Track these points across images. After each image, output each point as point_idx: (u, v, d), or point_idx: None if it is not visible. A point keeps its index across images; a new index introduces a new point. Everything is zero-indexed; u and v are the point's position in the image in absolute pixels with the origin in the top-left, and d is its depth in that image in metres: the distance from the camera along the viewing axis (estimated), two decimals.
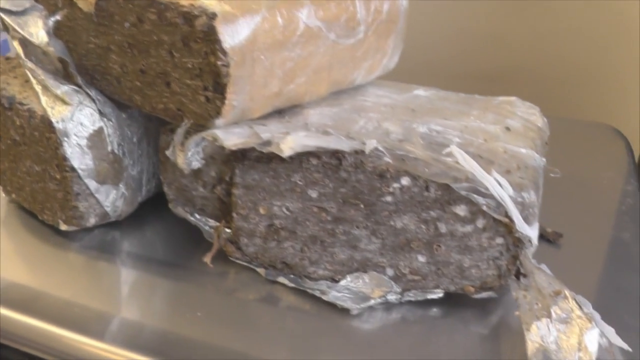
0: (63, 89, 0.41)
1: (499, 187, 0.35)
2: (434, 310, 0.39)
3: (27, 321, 0.38)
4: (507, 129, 0.41)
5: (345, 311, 0.39)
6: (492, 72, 0.83)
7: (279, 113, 0.41)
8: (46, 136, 0.41)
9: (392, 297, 0.39)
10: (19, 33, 0.40)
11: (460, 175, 0.35)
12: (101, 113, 0.42)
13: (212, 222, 0.43)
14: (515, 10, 0.80)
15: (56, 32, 0.41)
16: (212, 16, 0.34)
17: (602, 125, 0.68)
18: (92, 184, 0.42)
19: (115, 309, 0.39)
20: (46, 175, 0.43)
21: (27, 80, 0.43)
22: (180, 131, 0.38)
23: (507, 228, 0.36)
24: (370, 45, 0.44)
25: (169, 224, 0.47)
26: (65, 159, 0.41)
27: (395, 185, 0.36)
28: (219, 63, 0.34)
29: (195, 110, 0.37)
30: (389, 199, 0.37)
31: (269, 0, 0.36)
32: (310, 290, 0.40)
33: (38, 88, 0.41)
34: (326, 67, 0.41)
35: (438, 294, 0.39)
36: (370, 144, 0.36)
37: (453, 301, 0.39)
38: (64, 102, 0.41)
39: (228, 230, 0.42)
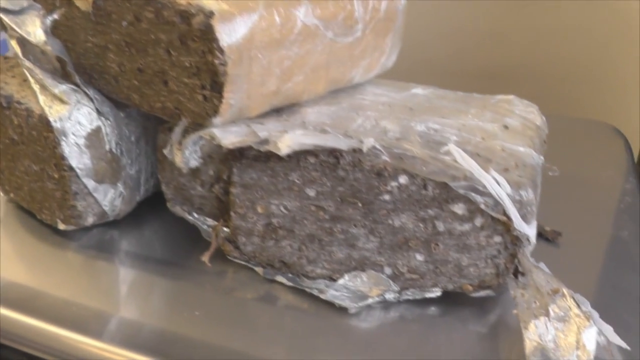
0: (61, 88, 0.41)
1: (497, 186, 0.35)
2: (432, 309, 0.39)
3: (25, 320, 0.38)
4: (505, 127, 0.41)
5: (343, 310, 0.38)
6: (491, 71, 0.83)
7: (276, 112, 0.41)
8: (44, 135, 0.41)
9: (390, 296, 0.39)
10: (17, 32, 0.40)
11: (458, 174, 0.35)
12: (99, 112, 0.42)
13: (210, 221, 0.43)
14: (514, 8, 0.80)
15: (54, 31, 0.41)
16: (210, 14, 0.34)
17: (601, 124, 0.68)
18: (90, 183, 0.42)
19: (114, 308, 0.39)
20: (44, 175, 0.43)
21: (25, 80, 0.43)
22: (177, 130, 0.38)
23: (505, 226, 0.36)
24: (368, 43, 0.44)
25: (168, 223, 0.47)
26: (63, 158, 0.41)
27: (393, 183, 0.36)
28: (217, 62, 0.34)
29: (193, 109, 0.37)
30: (386, 197, 0.37)
31: None
32: (308, 289, 0.40)
33: (36, 87, 0.41)
34: (324, 66, 0.41)
35: (436, 293, 0.39)
36: (368, 143, 0.36)
37: (451, 300, 0.39)
38: (62, 101, 0.41)
39: (226, 229, 0.42)
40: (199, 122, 0.37)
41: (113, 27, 0.38)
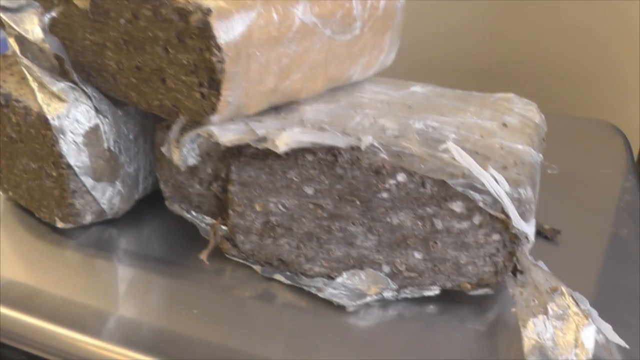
0: (59, 86, 0.41)
1: (495, 183, 0.35)
2: (431, 307, 0.39)
3: (24, 319, 0.38)
4: (504, 125, 0.41)
5: (341, 308, 0.38)
6: (491, 69, 0.83)
7: (275, 109, 0.40)
8: (42, 133, 0.41)
9: (388, 294, 0.39)
10: (15, 30, 0.40)
11: (457, 172, 0.35)
12: (97, 110, 0.42)
13: (208, 219, 0.43)
14: (513, 7, 0.80)
15: (52, 29, 0.41)
16: (207, 12, 0.34)
17: (601, 122, 0.68)
18: (88, 181, 0.42)
19: (112, 307, 0.39)
20: (42, 173, 0.43)
21: (24, 78, 0.43)
22: (175, 128, 0.38)
23: (503, 224, 0.36)
24: (366, 41, 0.44)
25: (166, 222, 0.47)
26: (61, 156, 0.41)
27: (391, 181, 0.36)
28: (214, 59, 0.34)
29: (191, 107, 0.37)
30: (385, 195, 0.37)
31: None
32: (307, 287, 0.40)
33: (34, 85, 0.41)
34: (322, 63, 0.41)
35: (434, 291, 0.39)
36: (366, 140, 0.36)
37: (449, 298, 0.39)
38: (60, 99, 0.41)
39: (224, 228, 0.42)
40: (197, 120, 0.37)
41: (111, 24, 0.38)
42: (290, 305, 0.39)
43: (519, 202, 0.35)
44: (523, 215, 0.35)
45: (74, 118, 0.41)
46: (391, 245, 0.38)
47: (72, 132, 0.41)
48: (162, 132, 0.40)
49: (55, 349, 0.37)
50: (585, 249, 0.45)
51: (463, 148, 0.37)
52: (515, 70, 0.82)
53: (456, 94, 0.47)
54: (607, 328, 0.34)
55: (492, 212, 0.35)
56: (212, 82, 0.35)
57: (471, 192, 0.35)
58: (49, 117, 0.40)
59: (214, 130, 0.36)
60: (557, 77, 0.80)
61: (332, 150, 0.36)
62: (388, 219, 0.37)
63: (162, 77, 0.37)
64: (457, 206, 0.36)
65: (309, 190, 0.38)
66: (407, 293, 0.39)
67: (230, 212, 0.41)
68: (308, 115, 0.40)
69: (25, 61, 0.41)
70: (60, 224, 0.44)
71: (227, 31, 0.34)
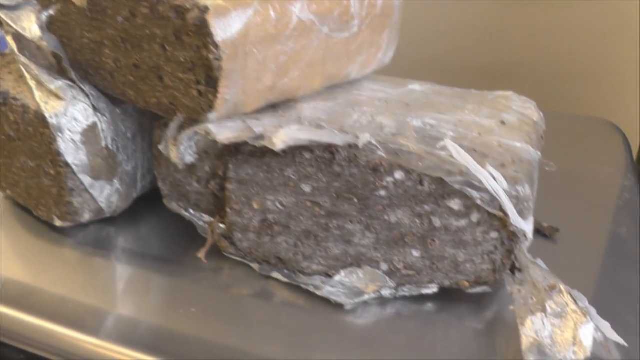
0: (57, 84, 0.41)
1: (493, 181, 0.35)
2: (429, 306, 0.39)
3: (22, 317, 0.38)
4: (502, 123, 0.41)
5: (339, 306, 0.38)
6: (491, 68, 0.83)
7: (272, 107, 0.40)
8: (40, 131, 0.41)
9: (386, 292, 0.39)
10: (13, 28, 0.40)
11: (454, 169, 0.35)
12: (95, 108, 0.42)
13: (206, 218, 0.43)
14: (513, 6, 0.80)
15: (50, 27, 0.41)
16: (204, 10, 0.34)
17: (600, 121, 0.68)
18: (86, 180, 0.42)
19: (110, 305, 0.39)
20: (40, 171, 0.43)
21: (22, 76, 0.43)
22: (173, 125, 0.38)
23: (501, 222, 0.36)
24: (364, 39, 0.43)
25: (164, 220, 0.47)
26: (59, 154, 0.41)
27: (389, 179, 0.36)
28: (211, 57, 0.34)
29: (188, 105, 0.37)
30: (382, 193, 0.37)
31: None
32: (304, 285, 0.40)
33: (32, 83, 0.41)
34: (320, 61, 0.41)
35: (432, 289, 0.39)
36: (364, 138, 0.36)
37: (448, 296, 0.39)
38: (58, 97, 0.41)
39: (222, 226, 0.42)
40: (194, 118, 0.37)
41: (108, 22, 0.38)
42: (288, 304, 0.39)
43: (517, 200, 0.35)
44: (521, 213, 0.35)
45: (72, 116, 0.41)
46: (389, 243, 0.38)
47: (69, 130, 0.41)
48: (159, 130, 0.40)
49: (53, 347, 0.37)
50: (584, 247, 0.45)
51: (461, 146, 0.37)
52: (514, 69, 0.82)
53: (454, 92, 0.47)
54: (606, 326, 0.34)
55: (490, 209, 0.35)
56: (210, 79, 0.35)
57: (469, 189, 0.35)
58: (46, 115, 0.40)
59: (212, 128, 0.36)
60: (556, 75, 0.80)
61: (330, 148, 0.36)
62: (386, 217, 0.37)
63: (159, 74, 0.37)
64: (455, 204, 0.36)
65: (307, 188, 0.38)
66: (405, 291, 0.39)
67: (228, 210, 0.41)
68: (306, 113, 0.40)
69: (22, 59, 0.41)
70: (58, 223, 0.44)
71: (225, 29, 0.34)
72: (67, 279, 0.41)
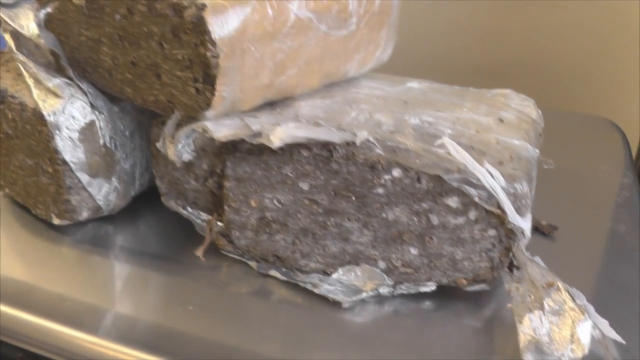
0: (55, 82, 0.41)
1: (491, 178, 0.35)
2: (427, 303, 0.39)
3: (20, 316, 0.38)
4: (500, 120, 0.41)
5: (337, 304, 0.38)
6: (491, 67, 0.83)
7: (270, 105, 0.40)
8: (38, 129, 0.41)
9: (384, 290, 0.39)
10: (10, 25, 0.40)
11: (452, 167, 0.35)
12: (93, 106, 0.42)
13: (204, 216, 0.43)
14: (513, 4, 0.79)
15: (47, 24, 0.41)
16: (202, 7, 0.34)
17: (599, 119, 0.68)
18: (84, 178, 0.42)
19: (109, 303, 0.39)
20: (39, 169, 0.43)
21: (20, 74, 0.43)
22: (170, 123, 0.38)
23: (499, 220, 0.36)
24: (362, 37, 0.43)
25: (163, 218, 0.47)
26: (56, 152, 0.41)
27: (387, 176, 0.36)
28: (209, 54, 0.34)
29: (186, 102, 0.37)
30: (380, 190, 0.37)
31: None
32: (302, 283, 0.40)
33: (30, 81, 0.41)
34: (318, 59, 0.40)
35: (430, 287, 0.39)
36: (361, 136, 0.36)
37: (446, 294, 0.39)
38: (56, 95, 0.41)
39: (220, 224, 0.42)
40: (192, 115, 0.37)
41: (106, 20, 0.38)
42: (286, 302, 0.39)
43: (514, 197, 0.35)
44: (519, 210, 0.35)
45: (70, 114, 0.41)
46: (387, 241, 0.38)
47: (67, 128, 0.41)
48: (157, 128, 0.40)
49: (51, 345, 0.37)
50: (583, 245, 0.45)
51: (459, 143, 0.36)
52: (514, 68, 0.82)
53: (453, 90, 0.47)
54: (604, 323, 0.34)
55: (487, 207, 0.35)
56: (207, 77, 0.35)
57: (467, 187, 0.35)
58: (44, 113, 0.40)
59: (209, 125, 0.36)
60: (556, 74, 0.80)
61: (327, 146, 0.36)
62: (384, 215, 0.37)
63: (157, 72, 0.37)
64: (453, 201, 0.36)
65: (304, 186, 0.38)
66: (403, 289, 0.39)
67: (226, 208, 0.41)
68: (303, 111, 0.40)
69: (21, 57, 0.41)
70: (56, 221, 0.44)
71: (222, 26, 0.34)
72: (65, 277, 0.41)
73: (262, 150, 0.38)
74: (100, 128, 0.42)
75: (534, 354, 0.33)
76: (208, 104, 0.36)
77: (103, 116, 0.42)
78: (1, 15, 0.41)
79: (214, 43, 0.34)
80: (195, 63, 0.35)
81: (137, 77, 0.39)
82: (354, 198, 0.37)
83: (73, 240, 0.45)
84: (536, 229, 0.45)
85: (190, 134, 0.38)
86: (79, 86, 0.42)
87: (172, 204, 0.44)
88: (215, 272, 0.42)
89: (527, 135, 0.40)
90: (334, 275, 0.39)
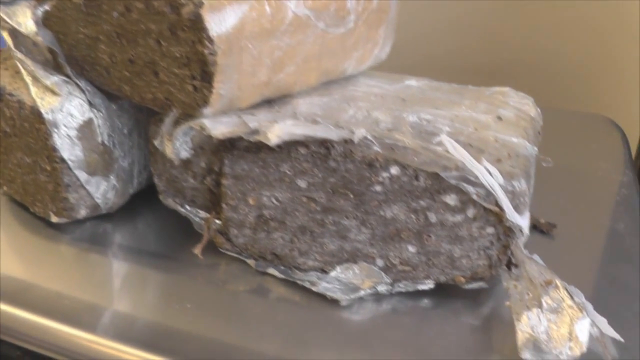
0: (53, 79, 0.41)
1: (489, 176, 0.35)
2: (425, 301, 0.39)
3: (18, 314, 0.38)
4: (499, 118, 0.41)
5: (335, 302, 0.38)
6: (490, 66, 0.83)
7: (268, 103, 0.40)
8: (36, 127, 0.41)
9: (382, 288, 0.39)
10: (8, 23, 0.40)
11: (450, 164, 0.35)
12: (91, 104, 0.42)
13: (202, 214, 0.43)
14: (513, 4, 0.79)
15: (45, 22, 0.41)
16: (199, 4, 0.34)
17: (599, 117, 0.67)
18: (82, 175, 0.42)
19: (107, 301, 0.39)
20: (37, 167, 0.43)
21: (18, 72, 0.43)
22: (168, 121, 0.38)
23: (497, 217, 0.36)
24: (360, 34, 0.43)
25: (161, 216, 0.46)
26: (54, 149, 0.41)
27: (385, 174, 0.36)
28: (206, 51, 0.34)
29: (183, 100, 0.37)
30: (378, 188, 0.36)
31: None
32: (300, 281, 0.40)
33: (28, 79, 0.41)
34: (316, 57, 0.40)
35: (429, 285, 0.39)
36: (359, 133, 0.36)
37: (444, 292, 0.39)
38: (54, 93, 0.41)
39: (218, 222, 0.42)
40: (189, 113, 0.37)
41: (104, 17, 0.38)
42: (284, 300, 0.39)
43: (513, 195, 0.35)
44: (517, 208, 0.35)
45: (68, 112, 0.41)
46: (385, 238, 0.38)
47: (65, 126, 0.41)
48: (155, 126, 0.40)
49: (49, 343, 0.37)
50: (582, 243, 0.45)
51: (457, 141, 0.36)
52: (514, 67, 0.82)
53: (451, 88, 0.47)
54: (602, 321, 0.34)
55: (485, 204, 0.35)
56: (204, 74, 0.35)
57: (465, 184, 0.35)
58: (42, 110, 0.40)
59: (206, 123, 0.36)
60: (555, 73, 0.79)
61: (325, 143, 0.36)
62: (381, 212, 0.37)
63: (154, 70, 0.37)
64: (451, 199, 0.36)
65: (302, 184, 0.38)
66: (401, 287, 0.39)
67: (224, 205, 0.40)
68: (301, 108, 0.40)
69: (18, 55, 0.41)
70: (54, 219, 0.44)
71: (219, 23, 0.34)
72: (63, 275, 0.41)
73: (259, 148, 0.38)
74: (99, 126, 0.42)
75: (532, 352, 0.32)
76: (206, 102, 0.36)
77: (101, 114, 0.42)
78: None
79: (211, 40, 0.34)
80: (193, 60, 0.35)
81: (135, 74, 0.39)
82: (351, 196, 0.37)
83: (71, 239, 0.45)
84: (535, 227, 0.45)
85: (188, 131, 0.38)
86: (76, 84, 0.41)
87: (170, 202, 0.44)
88: (213, 270, 0.42)
89: (526, 133, 0.40)
90: (332, 273, 0.39)
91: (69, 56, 0.42)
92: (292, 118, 0.38)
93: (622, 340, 0.34)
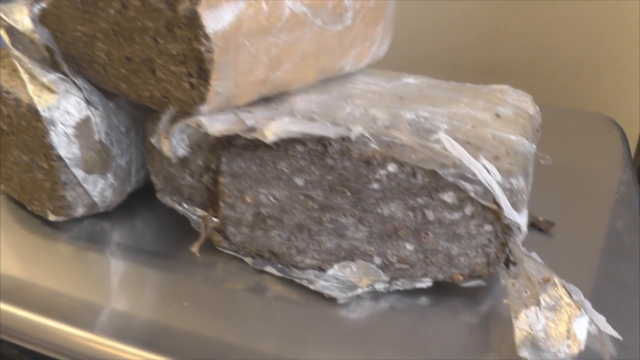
0: (49, 77, 0.41)
1: (487, 173, 0.34)
2: (423, 300, 0.39)
3: (15, 312, 0.38)
4: (497, 115, 0.41)
5: (332, 300, 0.38)
6: (490, 65, 0.83)
7: (265, 100, 0.40)
8: (33, 125, 0.41)
9: (380, 286, 0.39)
10: (5, 21, 0.40)
11: (448, 162, 0.35)
12: (88, 102, 0.42)
13: (200, 212, 0.43)
14: (512, 2, 0.79)
15: (42, 19, 0.41)
16: (195, 1, 0.33)
17: (598, 115, 0.67)
18: (79, 173, 0.42)
19: (104, 300, 0.39)
20: (34, 165, 0.43)
21: (15, 70, 0.43)
22: (165, 118, 0.38)
23: (495, 215, 0.35)
24: (358, 32, 0.43)
25: (159, 215, 0.46)
26: (52, 147, 0.41)
27: (382, 172, 0.36)
28: (203, 48, 0.34)
29: (180, 97, 0.37)
30: (375, 186, 0.36)
31: None
32: (298, 279, 0.40)
33: (25, 77, 0.41)
34: (313, 54, 0.40)
35: (426, 283, 0.38)
36: (356, 130, 0.36)
37: (442, 290, 0.39)
38: (51, 91, 0.41)
39: (215, 220, 0.42)
40: (186, 111, 0.37)
41: (101, 15, 0.38)
42: (282, 298, 0.39)
43: (510, 192, 0.35)
44: (515, 206, 0.35)
45: (65, 109, 0.41)
46: (382, 236, 0.38)
47: (62, 124, 0.41)
48: (152, 124, 0.40)
49: (46, 342, 0.37)
50: (581, 241, 0.45)
51: (454, 138, 0.36)
52: (513, 66, 0.82)
53: (450, 86, 0.46)
54: (600, 319, 0.34)
55: (483, 202, 0.35)
56: (201, 72, 0.35)
57: (462, 182, 0.35)
58: (39, 108, 0.40)
59: (203, 120, 0.36)
60: (555, 71, 0.79)
61: (322, 141, 0.36)
62: (379, 210, 0.37)
63: (151, 67, 0.37)
64: (449, 197, 0.36)
65: (300, 181, 0.38)
66: (399, 285, 0.39)
67: (221, 203, 0.40)
68: (298, 106, 0.40)
69: (15, 52, 0.41)
70: (52, 217, 0.44)
71: (216, 20, 0.34)
72: (61, 274, 0.41)
73: (257, 146, 0.37)
74: (96, 124, 0.42)
75: (530, 350, 0.32)
76: (202, 99, 0.35)
77: (98, 112, 0.42)
78: None
79: (208, 38, 0.34)
80: (190, 58, 0.35)
81: (132, 72, 0.38)
82: (349, 193, 0.37)
83: (69, 237, 0.45)
84: (533, 225, 0.45)
85: (185, 129, 0.38)
86: (73, 82, 0.41)
87: (167, 200, 0.43)
88: (211, 269, 0.41)
89: (524, 130, 0.40)
90: (330, 271, 0.39)
91: (66, 54, 0.42)
92: (289, 115, 0.38)
93: (620, 338, 0.34)
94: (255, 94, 0.39)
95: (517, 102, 0.43)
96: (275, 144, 0.36)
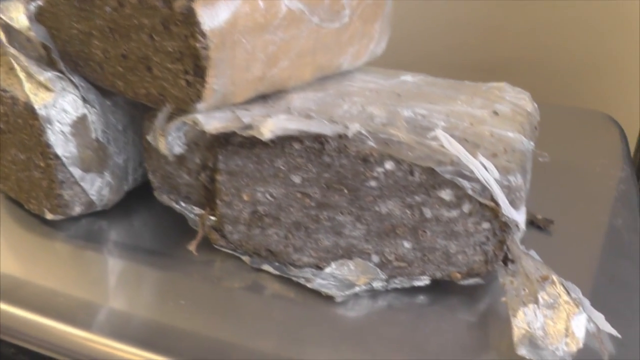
0: (46, 75, 0.41)
1: (485, 171, 0.34)
2: (421, 298, 0.39)
3: (12, 311, 0.38)
4: (495, 113, 0.41)
5: (330, 299, 0.38)
6: (490, 63, 0.83)
7: (262, 98, 0.40)
8: (29, 123, 0.41)
9: (377, 284, 0.39)
10: (1, 19, 0.40)
11: (445, 159, 0.35)
12: (85, 100, 0.42)
13: (197, 210, 0.43)
14: (512, 2, 0.79)
15: (38, 17, 0.41)
16: None
17: (597, 113, 0.67)
18: (76, 172, 0.42)
19: (102, 299, 0.39)
20: (31, 164, 0.43)
21: (12, 68, 0.43)
22: (161, 116, 0.38)
23: (493, 212, 0.35)
24: (356, 29, 0.43)
25: (157, 213, 0.46)
26: (48, 146, 0.41)
27: (379, 169, 0.36)
28: (199, 46, 0.34)
29: (177, 95, 0.36)
30: (373, 183, 0.36)
31: None
32: (295, 278, 0.39)
33: (21, 75, 0.41)
34: (310, 52, 0.40)
35: (424, 281, 0.38)
36: (353, 128, 0.36)
37: (440, 288, 0.39)
38: (47, 89, 0.41)
39: (212, 218, 0.41)
40: (183, 108, 0.37)
41: (97, 12, 0.38)
42: (279, 296, 0.39)
43: (508, 190, 0.35)
44: (513, 203, 0.35)
45: (61, 107, 0.41)
46: (380, 234, 0.38)
47: (59, 122, 0.41)
48: (149, 122, 0.40)
49: (44, 341, 0.37)
50: (580, 239, 0.45)
51: (452, 135, 0.36)
52: (513, 64, 0.81)
53: (448, 83, 0.46)
54: (599, 317, 0.33)
55: (481, 199, 0.35)
56: (197, 69, 0.35)
57: (460, 179, 0.34)
58: (35, 106, 0.40)
59: (200, 118, 0.36)
60: (554, 69, 0.79)
61: (319, 138, 0.36)
62: (376, 208, 0.37)
63: (148, 65, 0.37)
64: (446, 194, 0.35)
65: (297, 179, 0.38)
66: (397, 283, 0.39)
67: (218, 202, 0.40)
68: (295, 103, 0.40)
69: (12, 50, 0.41)
70: (49, 216, 0.44)
71: (212, 17, 0.33)
72: (58, 273, 0.41)
73: (254, 144, 0.37)
74: (93, 122, 0.42)
75: (528, 348, 0.32)
76: (199, 97, 0.35)
77: (95, 110, 0.42)
78: None
79: (204, 35, 0.33)
80: (186, 55, 0.35)
81: (128, 70, 0.38)
82: (346, 191, 0.37)
83: (66, 236, 0.44)
84: (532, 222, 0.45)
85: (181, 126, 0.38)
86: (70, 80, 0.41)
87: (164, 199, 0.43)
88: (208, 267, 0.41)
89: (522, 127, 0.40)
90: (327, 270, 0.39)
91: (62, 52, 0.41)
92: (286, 113, 0.38)
93: (619, 336, 0.33)
94: (252, 92, 0.38)
95: (515, 100, 0.43)
96: (272, 141, 0.36)
